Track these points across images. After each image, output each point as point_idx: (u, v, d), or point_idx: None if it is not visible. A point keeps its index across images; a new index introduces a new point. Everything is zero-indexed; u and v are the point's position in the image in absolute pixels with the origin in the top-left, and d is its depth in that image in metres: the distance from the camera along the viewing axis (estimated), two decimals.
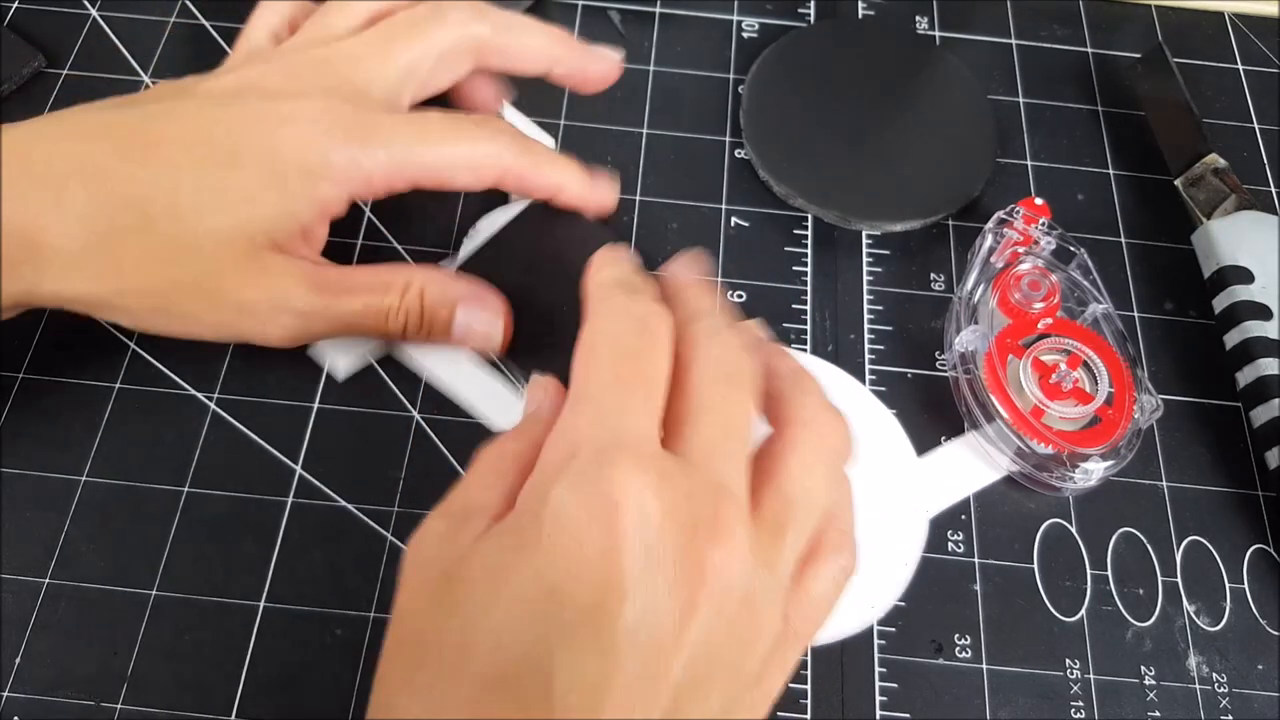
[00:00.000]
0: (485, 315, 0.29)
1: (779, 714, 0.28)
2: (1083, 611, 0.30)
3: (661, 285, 0.26)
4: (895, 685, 0.28)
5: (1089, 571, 0.30)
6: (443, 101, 0.32)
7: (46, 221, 0.25)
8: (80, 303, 0.27)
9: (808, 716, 0.28)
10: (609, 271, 0.25)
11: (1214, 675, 0.29)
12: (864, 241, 0.36)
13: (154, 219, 0.26)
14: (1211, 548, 0.31)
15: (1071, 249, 0.33)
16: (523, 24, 0.31)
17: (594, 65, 0.32)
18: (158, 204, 0.26)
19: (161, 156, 0.26)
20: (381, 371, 0.32)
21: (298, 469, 0.30)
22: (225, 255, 0.26)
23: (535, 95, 0.38)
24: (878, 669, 0.28)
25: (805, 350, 0.33)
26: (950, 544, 0.30)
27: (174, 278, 0.26)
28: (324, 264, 0.28)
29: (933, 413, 0.32)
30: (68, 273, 0.26)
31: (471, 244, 0.32)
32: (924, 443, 0.32)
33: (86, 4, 0.39)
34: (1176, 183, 0.36)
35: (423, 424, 0.31)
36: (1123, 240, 0.36)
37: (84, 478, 0.30)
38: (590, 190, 0.31)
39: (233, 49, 0.31)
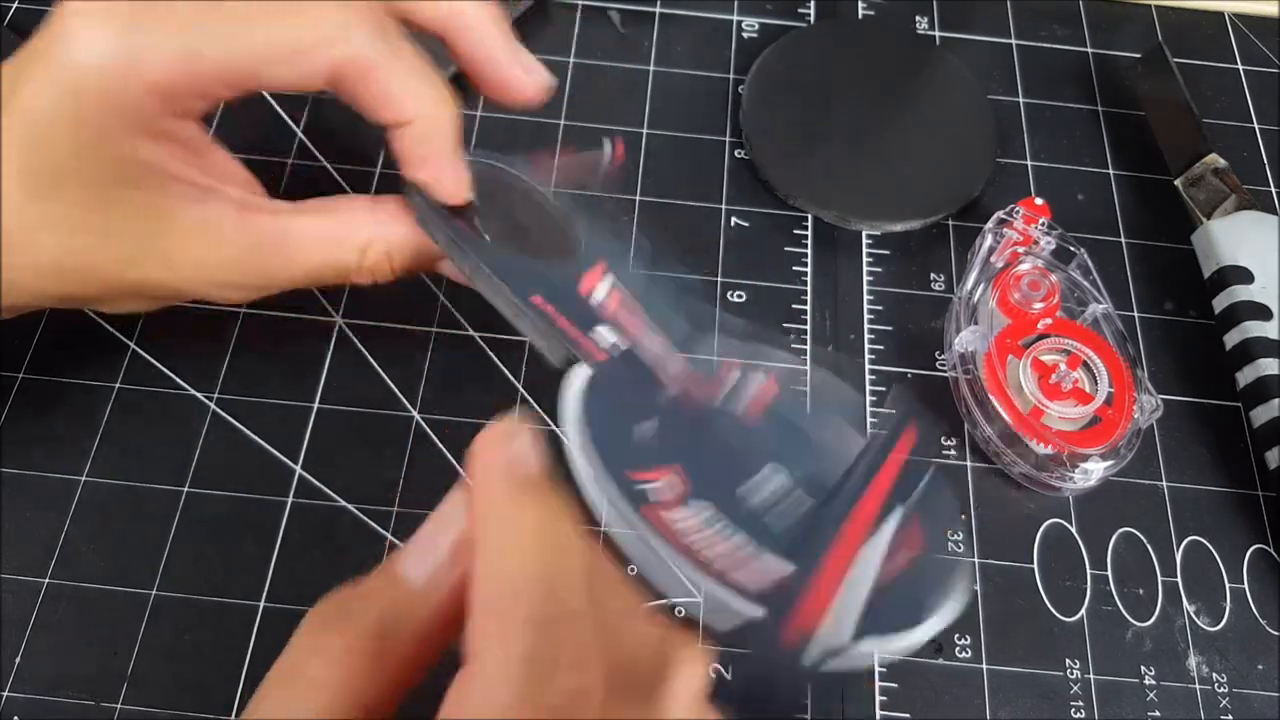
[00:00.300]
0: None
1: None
2: (1083, 611, 0.30)
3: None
4: (895, 685, 0.28)
5: (1089, 571, 0.30)
6: None
7: None
8: (25, 299, 0.25)
9: (808, 716, 0.28)
10: (508, 470, 0.19)
11: (1214, 675, 0.29)
12: (864, 241, 0.36)
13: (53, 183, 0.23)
14: (1211, 548, 0.31)
15: (1071, 249, 0.33)
16: (410, 67, 0.25)
17: (515, 71, 0.27)
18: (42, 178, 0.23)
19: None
20: (382, 372, 0.32)
21: (298, 469, 0.30)
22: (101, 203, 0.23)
23: None
24: (878, 669, 0.28)
25: (805, 349, 0.33)
26: (950, 544, 0.30)
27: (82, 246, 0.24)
28: (252, 202, 0.25)
29: (933, 413, 0.32)
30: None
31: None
32: (924, 443, 0.32)
33: None
34: (1176, 183, 0.36)
35: (423, 424, 0.31)
36: (1123, 240, 0.36)
37: (84, 478, 0.30)
38: (444, 149, 0.25)
39: None
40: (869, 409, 0.32)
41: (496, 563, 0.18)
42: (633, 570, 0.25)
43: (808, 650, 0.22)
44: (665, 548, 0.23)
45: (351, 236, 0.25)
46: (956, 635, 0.29)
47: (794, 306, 0.34)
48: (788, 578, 0.23)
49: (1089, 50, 0.41)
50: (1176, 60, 0.37)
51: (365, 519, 0.30)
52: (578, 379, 0.25)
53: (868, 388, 0.33)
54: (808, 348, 0.33)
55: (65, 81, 0.23)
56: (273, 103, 0.36)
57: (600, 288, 0.26)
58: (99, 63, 0.23)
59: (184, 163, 0.25)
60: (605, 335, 0.26)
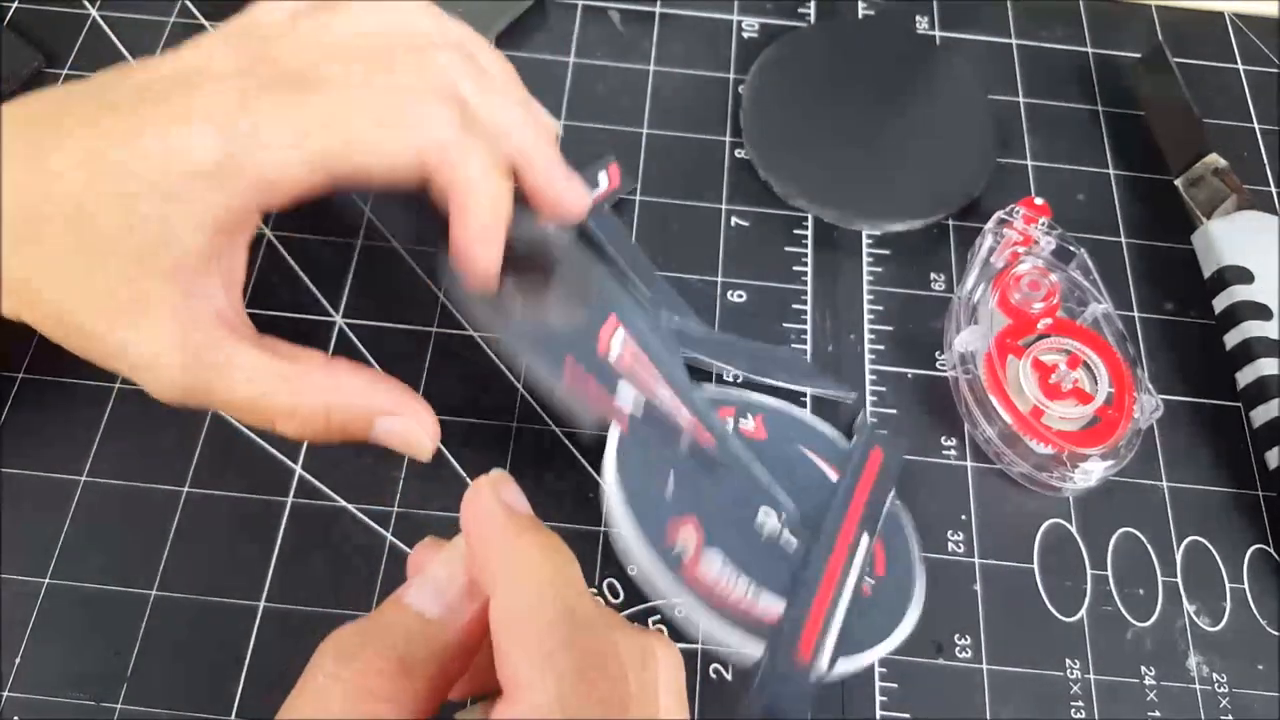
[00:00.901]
0: (407, 424, 0.26)
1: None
2: (1083, 611, 0.30)
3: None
4: (895, 685, 0.28)
5: (1089, 572, 0.30)
6: None
7: None
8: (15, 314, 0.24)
9: (808, 716, 0.28)
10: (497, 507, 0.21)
11: (1214, 675, 0.29)
12: (864, 241, 0.36)
13: (48, 231, 0.22)
14: (1211, 548, 0.31)
15: (1071, 249, 0.33)
16: (504, 96, 0.26)
17: (564, 187, 0.28)
18: (54, 216, 0.22)
19: (63, 163, 0.22)
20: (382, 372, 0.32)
21: (297, 469, 0.30)
22: (105, 279, 0.23)
23: (531, 94, 0.38)
24: (878, 669, 0.28)
25: (806, 349, 0.33)
26: (950, 544, 0.30)
27: (72, 298, 0.23)
28: (228, 325, 0.24)
29: (933, 413, 0.32)
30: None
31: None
32: (924, 442, 0.32)
33: (86, 4, 0.39)
34: (1177, 183, 0.36)
35: None
36: (1123, 240, 0.36)
37: (84, 478, 0.30)
38: (552, 185, 0.27)
39: None
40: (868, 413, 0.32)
41: (516, 594, 0.19)
42: (681, 615, 0.28)
43: (810, 676, 0.26)
44: (703, 602, 0.27)
45: (294, 384, 0.24)
46: (957, 635, 0.29)
47: (794, 306, 0.34)
48: (784, 616, 0.27)
49: (1089, 50, 0.41)
50: (1176, 60, 0.37)
51: (365, 519, 0.30)
52: (612, 443, 0.28)
53: (868, 388, 0.33)
54: (808, 348, 0.33)
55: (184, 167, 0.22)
56: None
57: (615, 343, 0.29)
58: (219, 154, 0.23)
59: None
60: (627, 391, 0.28)
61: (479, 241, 0.26)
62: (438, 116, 0.24)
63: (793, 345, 0.33)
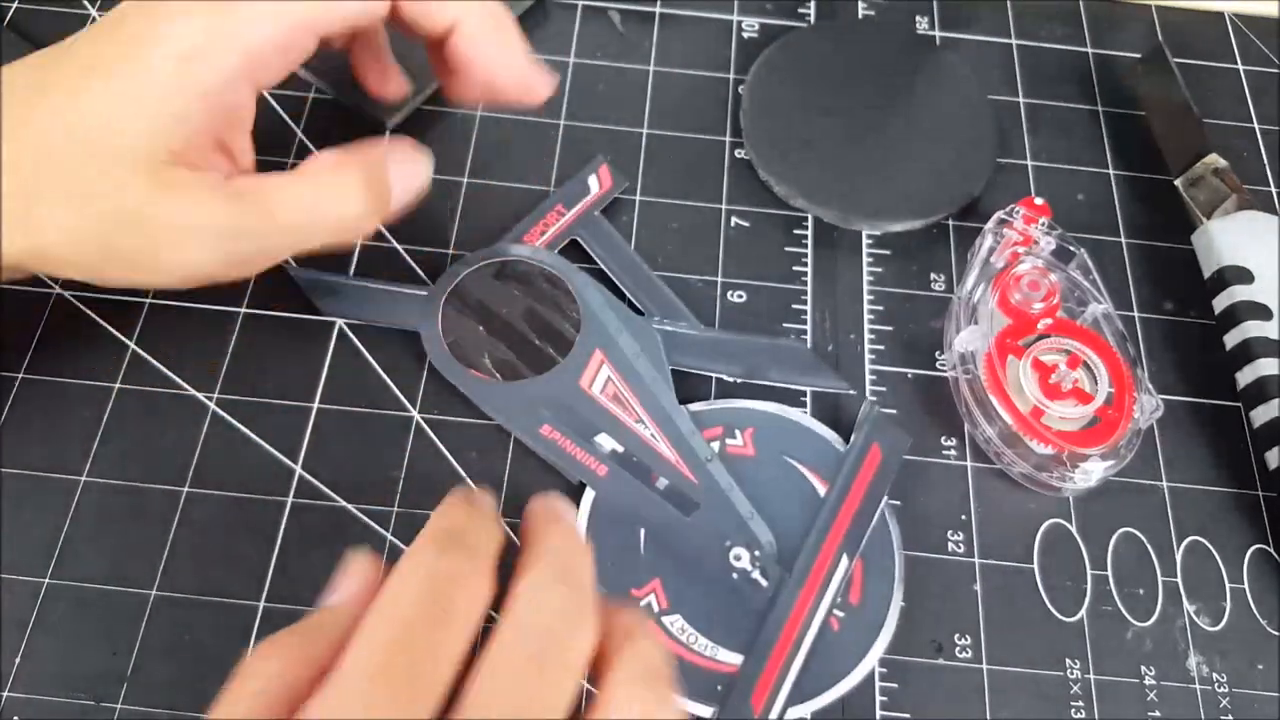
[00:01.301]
0: (412, 167, 0.29)
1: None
2: (1083, 611, 0.30)
3: (526, 522, 0.24)
4: (895, 685, 0.28)
5: (1089, 571, 0.30)
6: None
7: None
8: (35, 258, 0.25)
9: (808, 716, 0.28)
10: (437, 520, 0.23)
11: (1214, 675, 0.29)
12: (864, 241, 0.36)
13: (60, 155, 0.24)
14: (1211, 548, 0.31)
15: (1071, 249, 0.33)
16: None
17: (523, 76, 0.29)
18: (60, 139, 0.24)
19: (63, 89, 0.24)
20: (382, 372, 0.32)
21: (297, 469, 0.30)
22: (129, 178, 0.24)
23: None
24: (878, 669, 0.28)
25: (806, 342, 0.33)
26: (950, 544, 0.30)
27: (95, 213, 0.24)
28: (249, 168, 0.27)
29: (933, 413, 0.32)
30: (13, 226, 0.24)
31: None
32: (924, 442, 0.32)
33: (86, 4, 0.39)
34: (1177, 183, 0.36)
35: (423, 424, 0.31)
36: (1123, 240, 0.36)
37: (84, 478, 0.30)
38: (505, 46, 0.29)
39: None
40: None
41: (389, 586, 0.21)
42: None
43: None
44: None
45: (342, 173, 0.27)
46: (957, 635, 0.29)
47: (794, 306, 0.34)
48: (740, 670, 0.27)
49: (1089, 50, 0.41)
50: (1177, 60, 0.37)
51: (365, 519, 0.30)
52: (586, 502, 0.29)
53: (868, 388, 0.33)
54: (808, 348, 0.33)
55: (174, 63, 0.24)
56: (273, 103, 0.36)
57: (598, 381, 0.30)
58: (199, 42, 0.24)
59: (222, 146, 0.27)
60: (605, 442, 0.30)
61: (504, 55, 0.29)
62: None
63: (789, 340, 0.33)
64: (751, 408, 0.32)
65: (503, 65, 0.29)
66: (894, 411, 0.32)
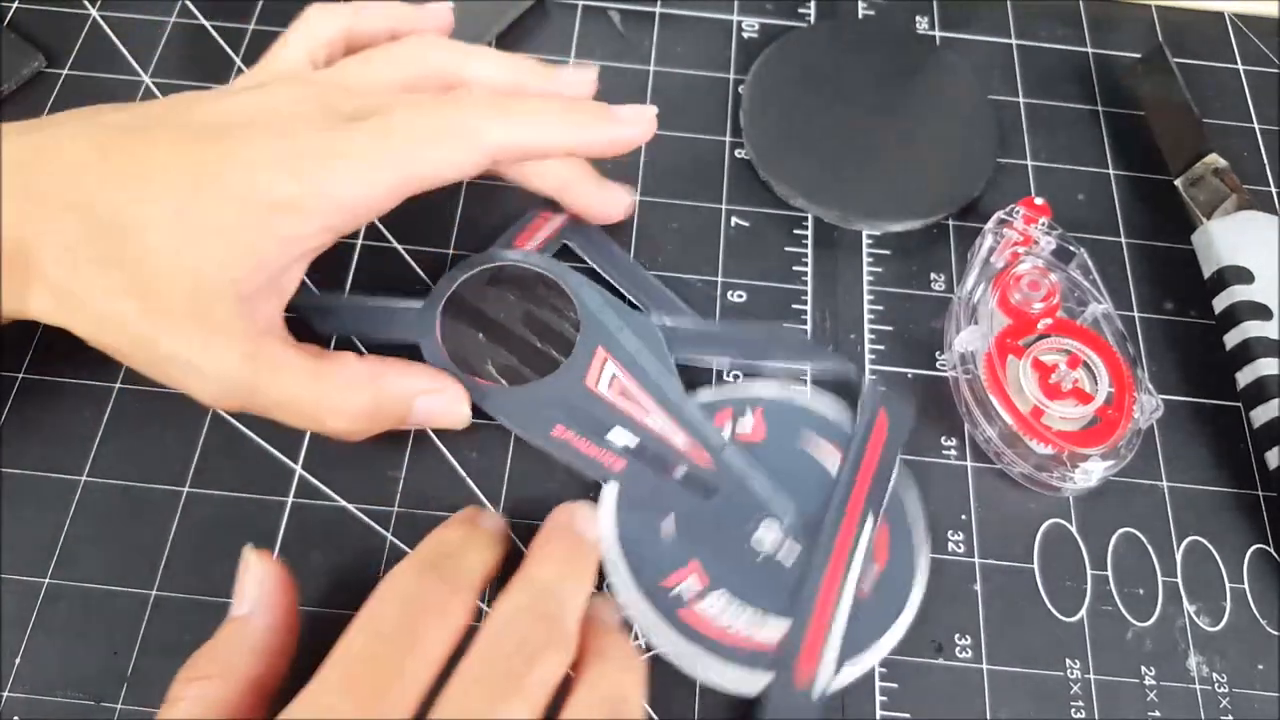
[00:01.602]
0: (445, 401, 0.29)
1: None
2: (1083, 611, 0.30)
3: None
4: (895, 685, 0.28)
5: (1089, 571, 0.30)
6: None
7: (43, 244, 0.24)
8: (67, 327, 0.25)
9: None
10: (428, 542, 0.25)
11: (1214, 675, 0.29)
12: (864, 241, 0.36)
13: (129, 254, 0.24)
14: (1211, 548, 0.31)
15: (1071, 249, 0.33)
16: (547, 126, 0.28)
17: (608, 198, 0.34)
18: (133, 238, 0.24)
19: (144, 187, 0.24)
20: None
21: (298, 469, 0.30)
22: (176, 302, 0.24)
23: None
24: (878, 669, 0.28)
25: (806, 332, 0.33)
26: (950, 544, 0.30)
27: (149, 316, 0.24)
28: (277, 335, 0.27)
29: (933, 413, 0.32)
30: (56, 298, 0.25)
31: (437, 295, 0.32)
32: (924, 442, 0.32)
33: (86, 4, 0.39)
34: (1177, 183, 0.36)
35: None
36: (1123, 240, 0.36)
37: (84, 477, 0.30)
38: (594, 196, 0.33)
39: (262, 59, 0.30)
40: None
41: (371, 603, 0.23)
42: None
43: (812, 697, 0.27)
44: (704, 640, 0.27)
45: (343, 378, 0.27)
46: (957, 635, 0.29)
47: (794, 306, 0.34)
48: (785, 639, 0.28)
49: (1089, 50, 0.41)
50: (1177, 60, 0.37)
51: (365, 519, 0.30)
52: (608, 497, 0.29)
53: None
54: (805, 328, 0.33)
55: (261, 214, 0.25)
56: None
57: (604, 379, 0.30)
58: (293, 193, 0.25)
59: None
60: (619, 438, 0.30)
61: (601, 198, 0.34)
62: (487, 116, 0.27)
63: (785, 324, 0.34)
64: (758, 389, 0.32)
65: (599, 205, 0.34)
66: (863, 411, 0.32)
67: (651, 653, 0.28)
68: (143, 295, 0.24)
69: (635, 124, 0.29)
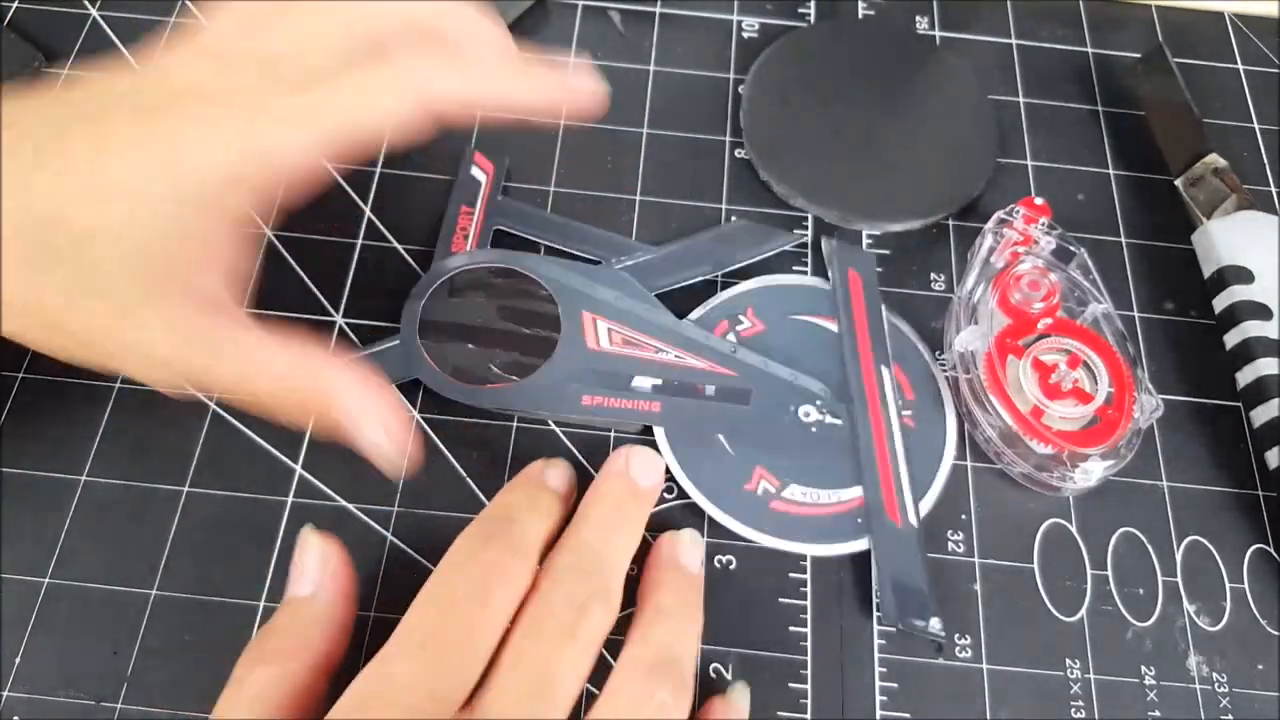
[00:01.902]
0: (385, 444, 0.26)
1: (779, 713, 0.28)
2: (1083, 611, 0.30)
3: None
4: (895, 685, 0.28)
5: (1089, 571, 0.30)
6: None
7: None
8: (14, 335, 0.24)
9: (808, 716, 0.28)
10: (496, 503, 0.27)
11: (1214, 675, 0.29)
12: (864, 241, 0.36)
13: (58, 241, 0.23)
14: (1211, 547, 0.31)
15: (1071, 249, 0.33)
16: (497, 78, 0.27)
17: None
18: (61, 224, 0.22)
19: (70, 171, 0.23)
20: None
21: (298, 469, 0.30)
22: (115, 289, 0.23)
23: None
24: (878, 669, 0.28)
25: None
26: (950, 544, 0.30)
27: (82, 306, 0.23)
28: (217, 302, 0.25)
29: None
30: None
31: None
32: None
33: (86, 3, 0.39)
34: (1177, 183, 0.36)
35: (423, 424, 0.31)
36: (1123, 240, 0.36)
37: (84, 477, 0.30)
38: (542, 89, 0.27)
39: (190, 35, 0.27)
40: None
41: (440, 571, 0.25)
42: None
43: (909, 534, 0.30)
44: (804, 520, 0.30)
45: (284, 362, 0.25)
46: (957, 635, 0.29)
47: None
48: (865, 498, 0.30)
49: (1089, 50, 0.41)
50: (1177, 60, 0.37)
51: (365, 518, 0.30)
52: (661, 442, 0.31)
53: None
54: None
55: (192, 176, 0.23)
56: None
57: (601, 334, 0.32)
58: (225, 160, 0.23)
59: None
60: (642, 383, 0.31)
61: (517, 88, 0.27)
62: (424, 69, 0.25)
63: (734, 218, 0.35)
64: (738, 291, 0.34)
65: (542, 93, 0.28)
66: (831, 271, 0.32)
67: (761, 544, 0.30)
68: (84, 286, 0.23)
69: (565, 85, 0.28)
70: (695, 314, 0.33)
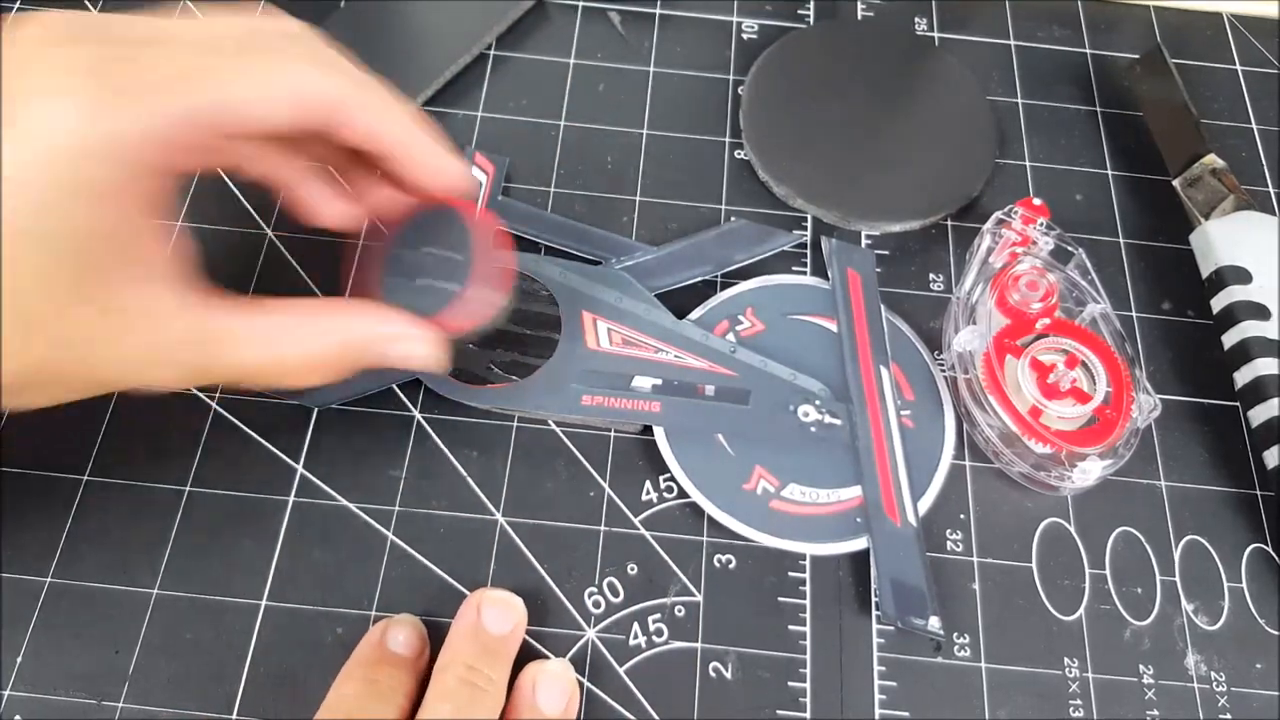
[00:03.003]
0: (422, 346, 0.26)
1: (779, 712, 0.28)
2: (1081, 610, 0.30)
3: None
4: (894, 684, 0.28)
5: (1087, 570, 0.30)
6: None
7: None
8: None
9: (807, 715, 0.28)
10: (330, 704, 0.26)
11: (1212, 674, 0.29)
12: (863, 241, 0.36)
13: None
14: (1210, 547, 0.31)
15: (1070, 249, 0.33)
16: (388, 98, 0.25)
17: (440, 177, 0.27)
18: None
19: None
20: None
21: (299, 468, 0.30)
22: (64, 308, 0.20)
23: (532, 95, 0.38)
24: (877, 667, 0.29)
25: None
26: (949, 543, 0.30)
27: (25, 350, 0.20)
28: (192, 288, 0.23)
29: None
30: None
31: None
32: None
33: (87, 4, 0.39)
34: (1175, 183, 0.36)
35: (423, 424, 0.31)
36: (1121, 240, 0.36)
37: (85, 477, 0.30)
38: (438, 154, 0.25)
39: None
40: None
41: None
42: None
43: (907, 533, 0.30)
44: (802, 520, 0.30)
45: (308, 327, 0.24)
46: (955, 634, 0.29)
47: None
48: (864, 490, 0.30)
49: (1087, 51, 0.41)
50: (1175, 61, 0.38)
51: (366, 518, 0.30)
52: (660, 440, 0.31)
53: None
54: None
55: (63, 156, 0.20)
56: None
57: (601, 334, 0.32)
58: (94, 132, 0.20)
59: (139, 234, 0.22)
60: (642, 382, 0.31)
61: (441, 163, 0.26)
62: (319, 67, 0.23)
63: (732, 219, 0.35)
64: (738, 291, 0.34)
65: (440, 174, 0.27)
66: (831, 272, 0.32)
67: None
68: (34, 319, 0.20)
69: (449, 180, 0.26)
70: (695, 314, 0.33)
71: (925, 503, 0.31)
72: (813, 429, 0.31)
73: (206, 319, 0.23)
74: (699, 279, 0.34)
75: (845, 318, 0.33)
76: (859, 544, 0.30)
